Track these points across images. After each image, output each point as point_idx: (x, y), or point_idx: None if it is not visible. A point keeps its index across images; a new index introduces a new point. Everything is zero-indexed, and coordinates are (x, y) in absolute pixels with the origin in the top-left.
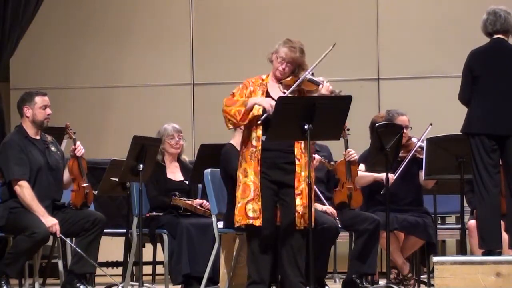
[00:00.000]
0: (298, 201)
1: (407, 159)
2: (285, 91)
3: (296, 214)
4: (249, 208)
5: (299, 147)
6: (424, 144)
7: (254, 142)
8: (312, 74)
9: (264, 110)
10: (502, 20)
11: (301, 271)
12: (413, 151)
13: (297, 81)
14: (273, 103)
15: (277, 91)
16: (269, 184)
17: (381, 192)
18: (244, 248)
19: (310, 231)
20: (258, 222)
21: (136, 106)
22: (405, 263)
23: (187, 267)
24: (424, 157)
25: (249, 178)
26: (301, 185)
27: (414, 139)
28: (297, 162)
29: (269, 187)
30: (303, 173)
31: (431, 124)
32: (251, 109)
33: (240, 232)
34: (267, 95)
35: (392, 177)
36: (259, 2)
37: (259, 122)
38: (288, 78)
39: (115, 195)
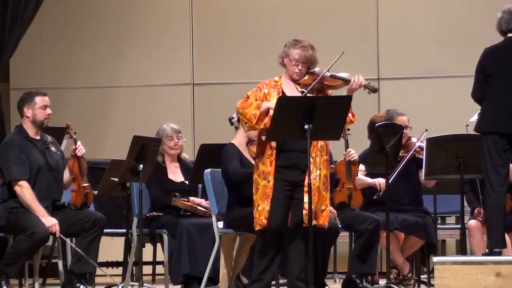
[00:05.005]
0: (305, 198)
1: (405, 159)
2: (303, 90)
3: (304, 211)
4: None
5: (315, 145)
6: (423, 145)
7: (273, 144)
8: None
9: None
10: None
11: (305, 271)
12: (412, 151)
13: (315, 79)
14: None
15: (293, 90)
16: (284, 185)
17: (374, 197)
18: (244, 248)
19: (310, 231)
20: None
21: (136, 106)
22: (405, 263)
23: (187, 267)
24: (424, 157)
25: (267, 181)
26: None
27: (414, 139)
28: (311, 160)
29: (284, 188)
30: (317, 171)
31: (426, 130)
32: (267, 113)
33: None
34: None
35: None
36: (259, 2)
37: None
38: (305, 78)
39: (115, 195)
